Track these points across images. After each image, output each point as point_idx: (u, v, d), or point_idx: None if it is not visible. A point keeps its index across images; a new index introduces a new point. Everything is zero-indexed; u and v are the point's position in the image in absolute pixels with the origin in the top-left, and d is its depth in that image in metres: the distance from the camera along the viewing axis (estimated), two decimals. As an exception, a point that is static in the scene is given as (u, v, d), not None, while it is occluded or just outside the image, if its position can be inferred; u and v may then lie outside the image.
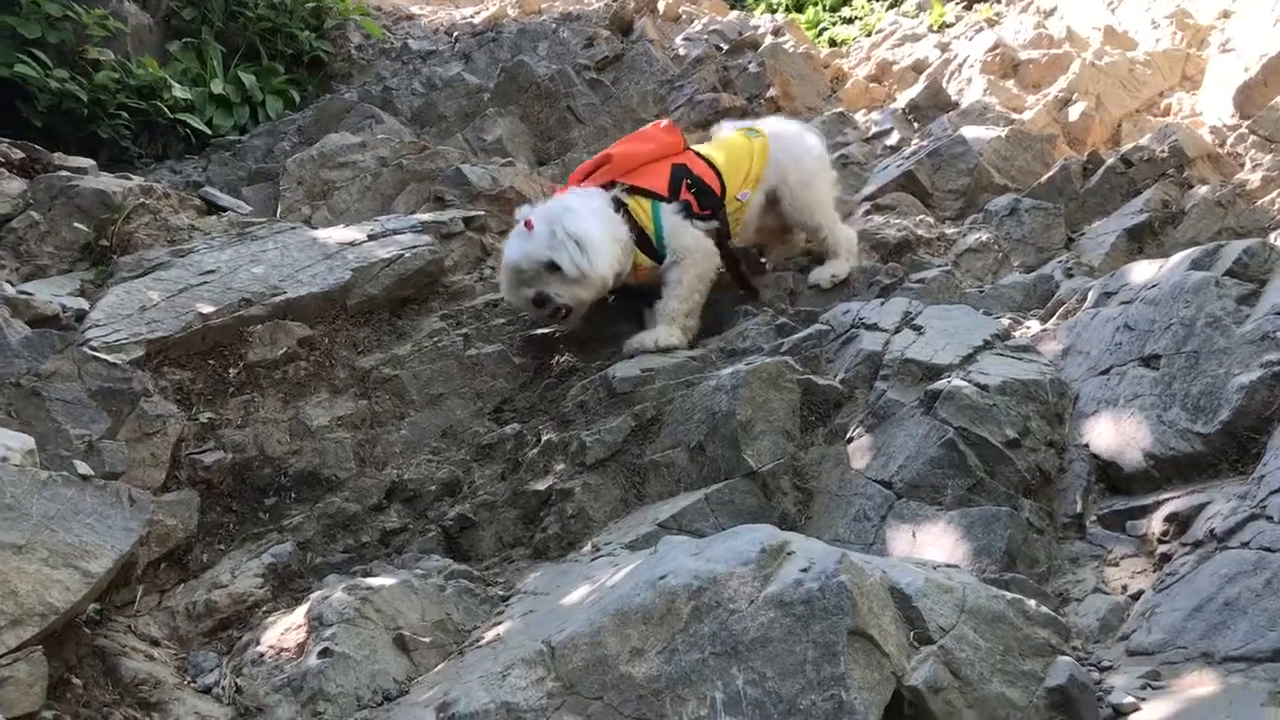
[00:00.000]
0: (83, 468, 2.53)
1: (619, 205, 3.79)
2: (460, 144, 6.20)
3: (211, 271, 3.96)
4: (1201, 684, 2.13)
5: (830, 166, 4.42)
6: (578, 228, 3.60)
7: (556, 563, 3.14)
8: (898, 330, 3.52)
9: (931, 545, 2.74)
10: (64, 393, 3.06)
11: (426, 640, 2.74)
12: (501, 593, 3.03)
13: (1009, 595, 2.26)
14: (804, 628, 2.04)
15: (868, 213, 4.89)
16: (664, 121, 4.31)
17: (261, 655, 2.69)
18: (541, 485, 3.39)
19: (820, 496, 3.08)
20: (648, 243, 3.83)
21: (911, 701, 2.01)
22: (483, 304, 4.23)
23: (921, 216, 4.82)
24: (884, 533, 2.85)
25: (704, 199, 3.94)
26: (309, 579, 3.18)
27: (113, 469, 2.68)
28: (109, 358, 3.25)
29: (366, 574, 3.05)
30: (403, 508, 3.50)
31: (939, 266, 4.19)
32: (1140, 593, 2.56)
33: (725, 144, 4.18)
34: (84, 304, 3.68)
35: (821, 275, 4.17)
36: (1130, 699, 2.15)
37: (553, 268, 3.60)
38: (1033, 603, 2.26)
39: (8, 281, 3.68)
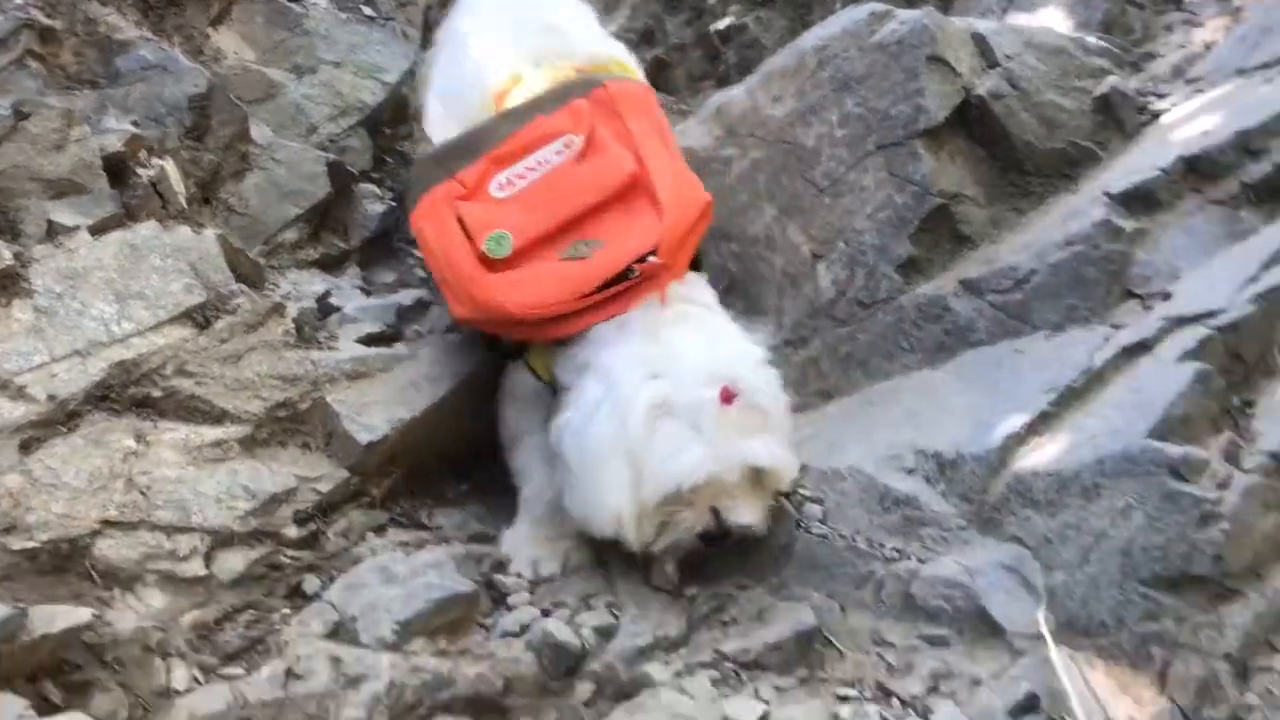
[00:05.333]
0: (368, 10, 3.60)
1: None
2: None
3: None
4: (1227, 87, 2.85)
5: None
6: (771, 391, 2.33)
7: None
8: None
9: (1037, 23, 3.45)
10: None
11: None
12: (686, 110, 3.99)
13: (1073, 34, 3.00)
14: (895, 60, 2.88)
15: None
16: None
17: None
18: (722, 25, 4.27)
19: None
20: None
21: (977, 106, 2.85)
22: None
23: None
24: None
25: None
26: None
27: (387, 14, 3.72)
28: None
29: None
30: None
31: None
32: (1215, 42, 3.21)
33: None
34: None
35: None
36: (1165, 106, 2.91)
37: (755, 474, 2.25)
38: (1093, 38, 2.99)
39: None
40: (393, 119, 3.57)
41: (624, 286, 2.29)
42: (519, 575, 2.33)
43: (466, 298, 2.36)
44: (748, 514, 2.22)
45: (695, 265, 2.53)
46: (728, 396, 2.17)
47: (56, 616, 1.83)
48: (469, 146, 2.57)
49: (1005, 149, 2.87)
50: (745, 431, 2.20)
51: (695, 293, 2.45)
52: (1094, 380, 2.33)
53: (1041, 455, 2.24)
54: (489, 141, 2.54)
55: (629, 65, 2.96)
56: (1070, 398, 2.32)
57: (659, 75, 4.35)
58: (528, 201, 2.43)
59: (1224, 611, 2.00)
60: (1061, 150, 2.87)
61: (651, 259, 2.30)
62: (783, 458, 2.28)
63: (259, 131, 3.05)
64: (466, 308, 2.38)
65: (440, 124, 2.89)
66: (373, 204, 3.17)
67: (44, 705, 1.75)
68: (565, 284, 2.29)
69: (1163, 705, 1.96)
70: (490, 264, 2.34)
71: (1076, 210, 2.69)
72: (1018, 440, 2.29)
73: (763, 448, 2.22)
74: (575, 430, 2.24)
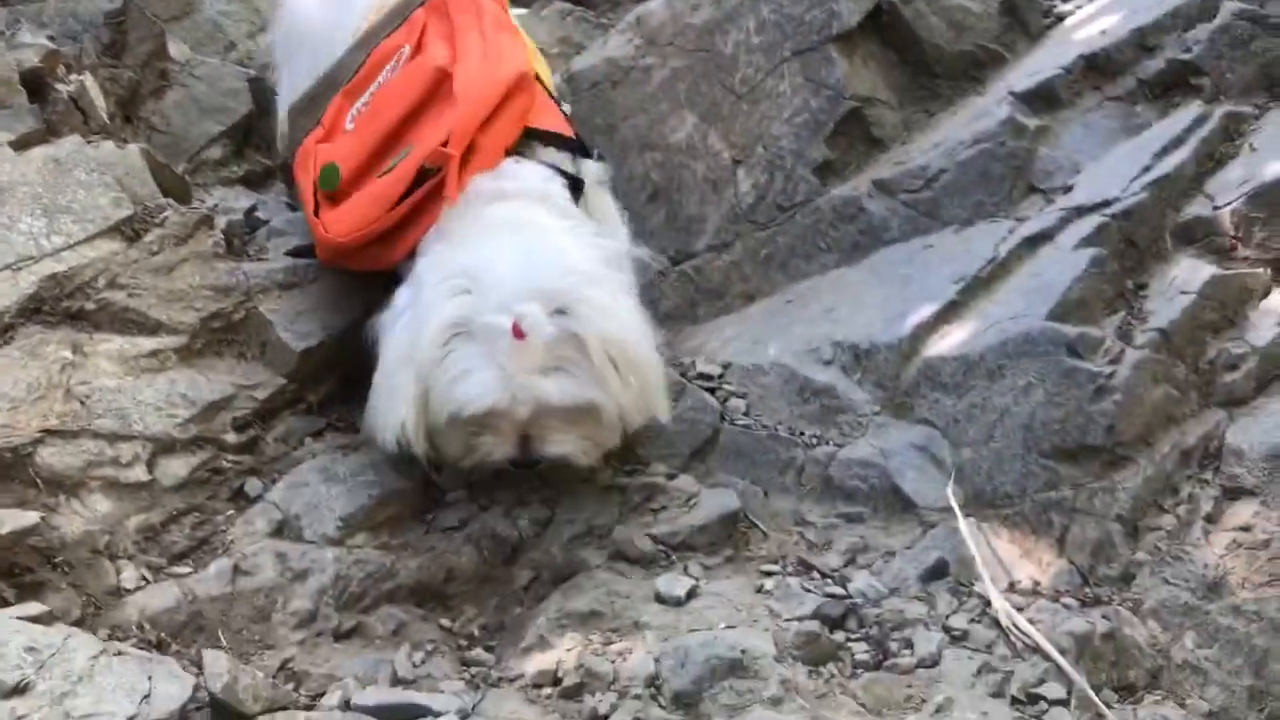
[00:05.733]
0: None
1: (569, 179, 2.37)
2: None
3: None
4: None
5: None
6: (614, 327, 2.13)
7: None
8: None
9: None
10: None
11: (555, 51, 3.80)
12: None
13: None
14: (810, -36, 2.97)
15: None
16: None
17: None
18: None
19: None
20: None
21: (888, 10, 2.94)
22: None
23: None
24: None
25: None
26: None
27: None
28: None
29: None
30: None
31: None
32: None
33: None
34: None
35: None
36: (1069, 8, 3.03)
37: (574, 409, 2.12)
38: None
39: None
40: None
41: (427, 189, 2.19)
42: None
43: (317, 241, 2.33)
44: (557, 447, 2.13)
45: (584, 150, 2.44)
46: (518, 332, 2.02)
47: (4, 519, 1.89)
48: (330, 85, 2.49)
49: (915, 53, 2.97)
50: (547, 363, 2.06)
51: (532, 185, 2.27)
52: (998, 270, 2.47)
53: (949, 341, 2.38)
54: (344, 76, 2.47)
55: None
56: (976, 287, 2.45)
57: (579, -12, 4.37)
58: (359, 128, 2.35)
59: (1117, 477, 2.17)
60: (970, 53, 2.99)
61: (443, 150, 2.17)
62: (584, 396, 2.09)
63: (177, 49, 3.06)
64: (320, 252, 2.35)
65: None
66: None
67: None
68: (376, 201, 2.21)
69: (1062, 566, 2.13)
70: (328, 200, 2.29)
71: (983, 110, 2.81)
72: (927, 329, 2.42)
73: (556, 386, 2.07)
74: (381, 332, 2.21)
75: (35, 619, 1.61)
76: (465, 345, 2.08)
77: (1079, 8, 3.06)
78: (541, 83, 2.48)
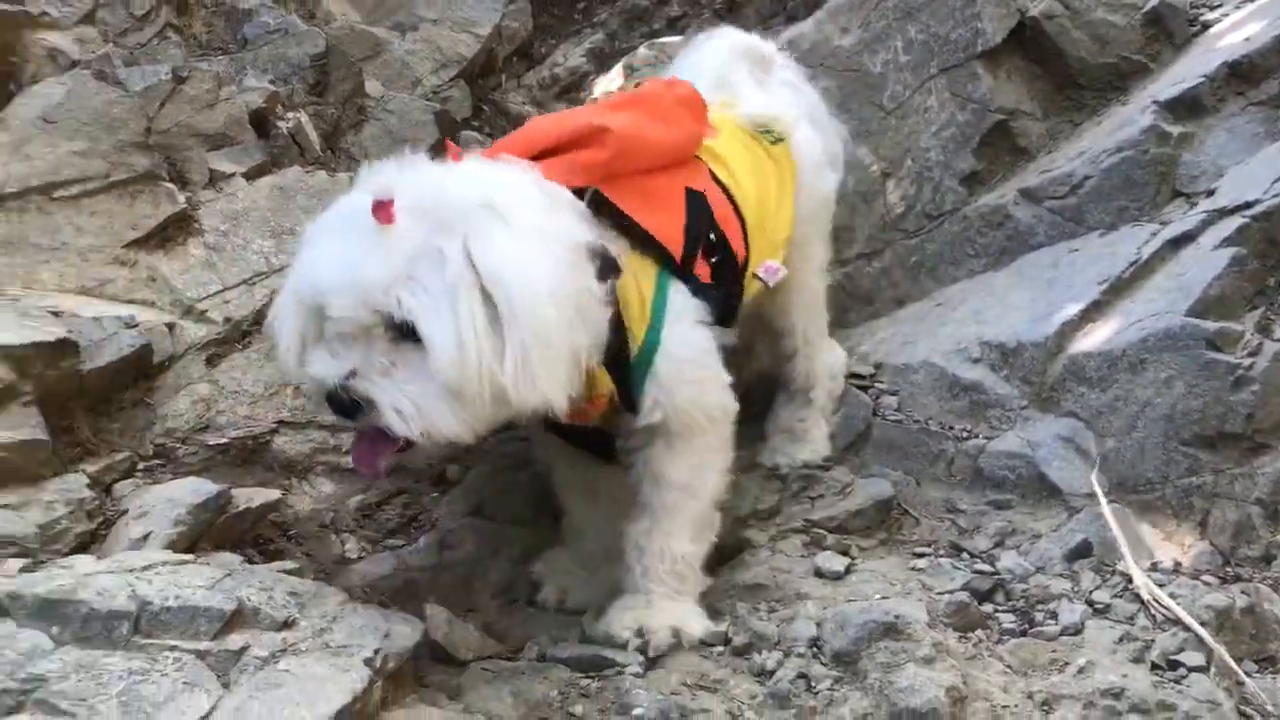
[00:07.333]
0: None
1: (599, 257, 1.95)
2: None
3: None
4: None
5: None
6: (509, 263, 1.79)
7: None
8: None
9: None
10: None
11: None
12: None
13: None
14: (954, -13, 3.18)
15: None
16: (676, 74, 2.60)
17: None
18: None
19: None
20: (620, 360, 2.03)
21: (1031, 27, 3.13)
22: None
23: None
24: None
25: (721, 270, 2.21)
26: (618, 56, 4.59)
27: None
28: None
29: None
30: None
31: None
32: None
33: (732, 151, 2.36)
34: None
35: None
36: (1215, 15, 3.16)
37: (403, 333, 1.78)
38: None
39: None
40: (484, 70, 3.96)
41: None
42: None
43: None
44: (372, 389, 1.78)
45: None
46: (381, 213, 1.75)
47: (254, 496, 2.25)
48: None
49: (1059, 66, 3.15)
50: (397, 269, 1.75)
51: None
52: (1141, 270, 2.63)
53: (1093, 338, 2.55)
54: None
55: None
56: (1120, 287, 2.62)
57: (731, 15, 4.65)
58: None
59: (1256, 463, 2.32)
60: (1113, 64, 3.15)
61: None
62: (418, 318, 1.75)
63: (371, 86, 3.44)
64: None
65: None
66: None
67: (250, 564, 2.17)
68: None
69: (1203, 547, 2.29)
70: None
71: (1127, 119, 2.97)
72: (1072, 327, 2.60)
73: (387, 294, 1.75)
74: None
75: (291, 572, 1.95)
76: (327, 226, 1.88)
77: (1225, 16, 3.18)
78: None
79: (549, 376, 1.80)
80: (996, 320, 2.77)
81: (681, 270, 2.08)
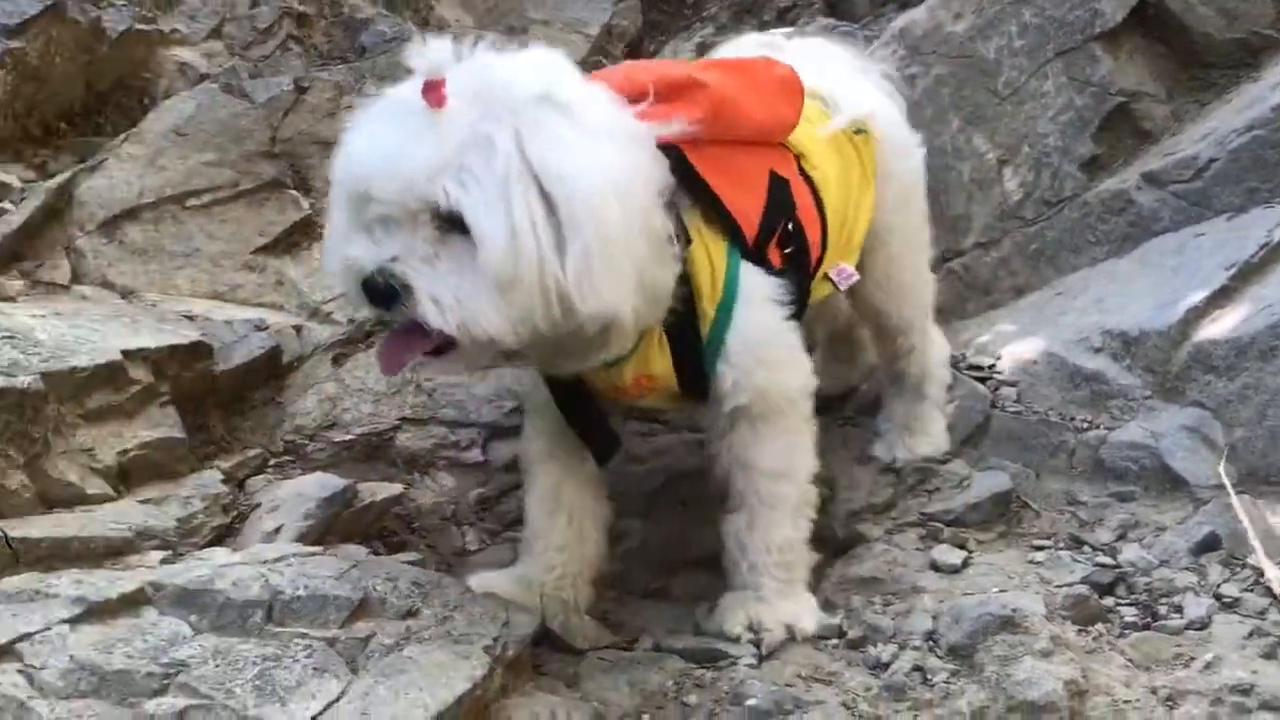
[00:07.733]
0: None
1: (673, 209, 1.90)
2: None
3: None
4: None
5: None
6: (568, 158, 1.71)
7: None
8: None
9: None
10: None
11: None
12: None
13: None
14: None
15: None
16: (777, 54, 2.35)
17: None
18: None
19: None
20: (689, 336, 1.98)
21: (1153, 4, 3.05)
22: None
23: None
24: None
25: (793, 263, 2.11)
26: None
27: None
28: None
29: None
30: (793, -10, 4.78)
31: None
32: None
33: (822, 150, 2.24)
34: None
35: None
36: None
37: (451, 224, 1.70)
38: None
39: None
40: (595, 70, 4.03)
41: None
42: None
43: None
44: (413, 276, 1.69)
45: None
46: (432, 95, 1.67)
47: (378, 490, 2.35)
48: None
49: (1184, 44, 3.07)
50: (448, 157, 1.67)
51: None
52: (1273, 253, 2.55)
53: (1221, 325, 2.48)
54: None
55: None
56: (1249, 272, 2.54)
57: (843, 4, 4.63)
58: None
59: (1396, 453, 2.23)
60: (1243, 40, 3.05)
61: None
62: (468, 209, 1.67)
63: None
64: None
65: None
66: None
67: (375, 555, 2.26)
68: None
69: (1340, 541, 2.22)
70: None
71: (1257, 97, 2.88)
72: (1198, 314, 2.53)
73: (432, 182, 1.67)
74: None
75: (414, 563, 2.03)
76: (376, 110, 1.81)
77: (1364, -16, 3.06)
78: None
79: (614, 282, 1.71)
80: (1119, 309, 2.71)
81: (753, 253, 2.00)
